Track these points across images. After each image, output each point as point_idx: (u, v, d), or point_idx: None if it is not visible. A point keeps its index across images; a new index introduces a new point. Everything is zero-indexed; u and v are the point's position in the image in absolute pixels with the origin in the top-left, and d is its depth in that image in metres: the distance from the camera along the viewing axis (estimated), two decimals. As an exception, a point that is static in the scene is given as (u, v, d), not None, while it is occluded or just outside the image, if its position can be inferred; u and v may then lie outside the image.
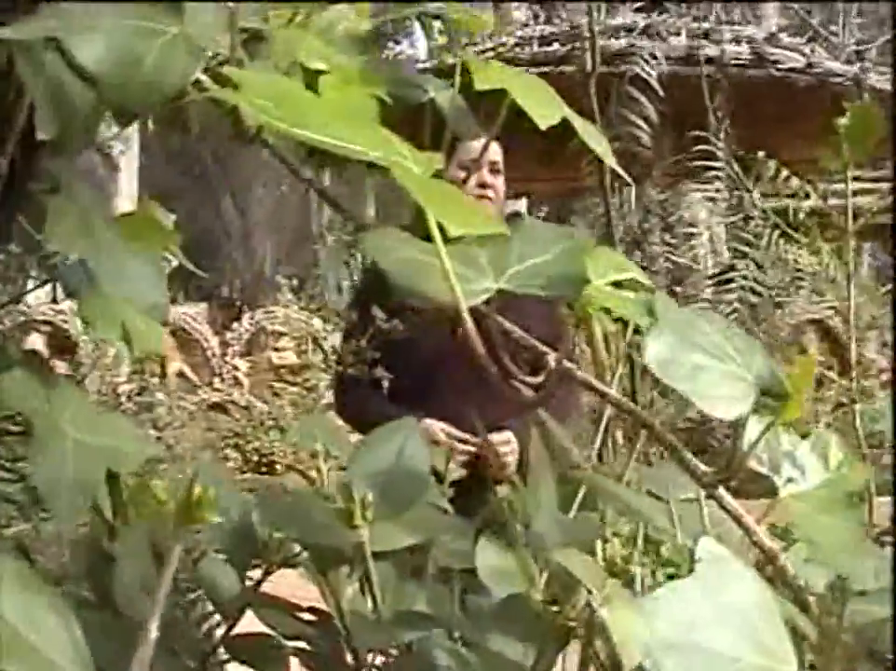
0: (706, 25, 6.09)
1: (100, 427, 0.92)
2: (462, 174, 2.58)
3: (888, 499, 1.57)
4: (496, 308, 2.21)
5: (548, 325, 2.80)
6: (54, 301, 9.64)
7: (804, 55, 5.38)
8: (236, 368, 10.17)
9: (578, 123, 0.63)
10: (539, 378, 0.62)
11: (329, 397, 10.44)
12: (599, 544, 0.62)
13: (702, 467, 0.56)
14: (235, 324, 10.58)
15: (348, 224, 18.99)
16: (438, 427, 2.44)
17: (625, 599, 0.57)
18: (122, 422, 0.98)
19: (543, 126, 0.60)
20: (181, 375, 9.44)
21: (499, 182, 2.68)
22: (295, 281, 14.99)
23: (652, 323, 0.52)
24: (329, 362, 10.68)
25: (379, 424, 2.25)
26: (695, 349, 0.52)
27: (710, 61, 5.58)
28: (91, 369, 8.28)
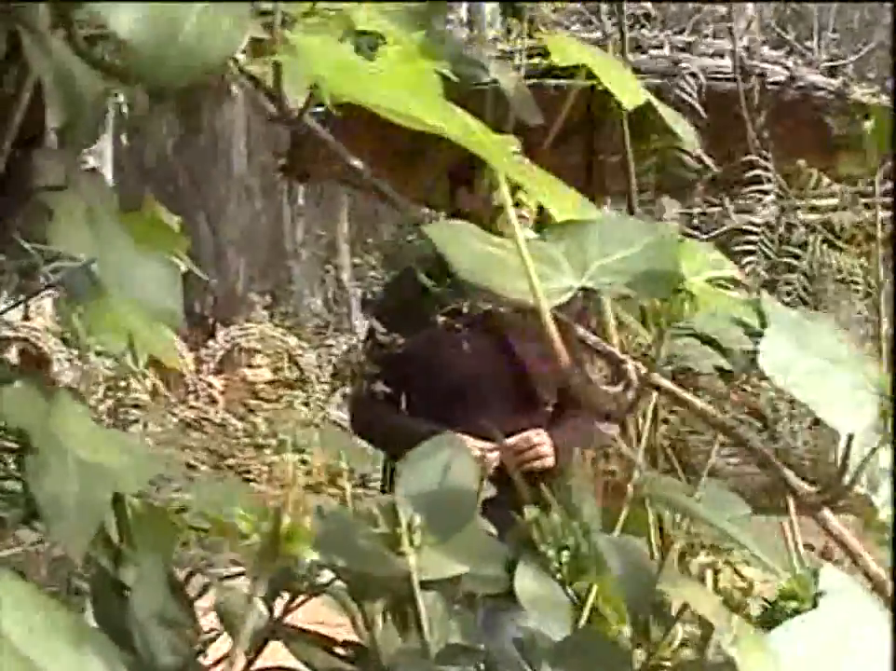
0: (686, 38, 6.07)
1: (103, 444, 0.85)
2: (497, 192, 2.53)
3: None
4: (512, 323, 2.14)
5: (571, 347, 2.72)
6: (26, 318, 9.51)
7: (787, 68, 5.36)
8: (210, 385, 10.05)
9: (666, 111, 0.57)
10: (618, 388, 0.56)
11: (306, 413, 10.35)
12: (710, 574, 0.55)
13: (806, 486, 0.50)
14: (209, 341, 10.48)
15: (322, 240, 18.90)
16: (470, 441, 2.31)
17: (752, 637, 0.50)
18: (125, 439, 0.91)
19: (630, 107, 0.54)
20: (155, 392, 9.31)
21: (534, 200, 2.58)
22: (269, 298, 14.90)
23: (764, 325, 0.46)
24: (305, 378, 10.60)
25: (398, 438, 2.21)
26: (811, 353, 0.46)
27: (691, 74, 5.56)
28: (66, 386, 8.14)
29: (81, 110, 0.73)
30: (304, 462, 10.01)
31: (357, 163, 0.59)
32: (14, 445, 1.15)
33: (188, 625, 0.69)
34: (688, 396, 0.53)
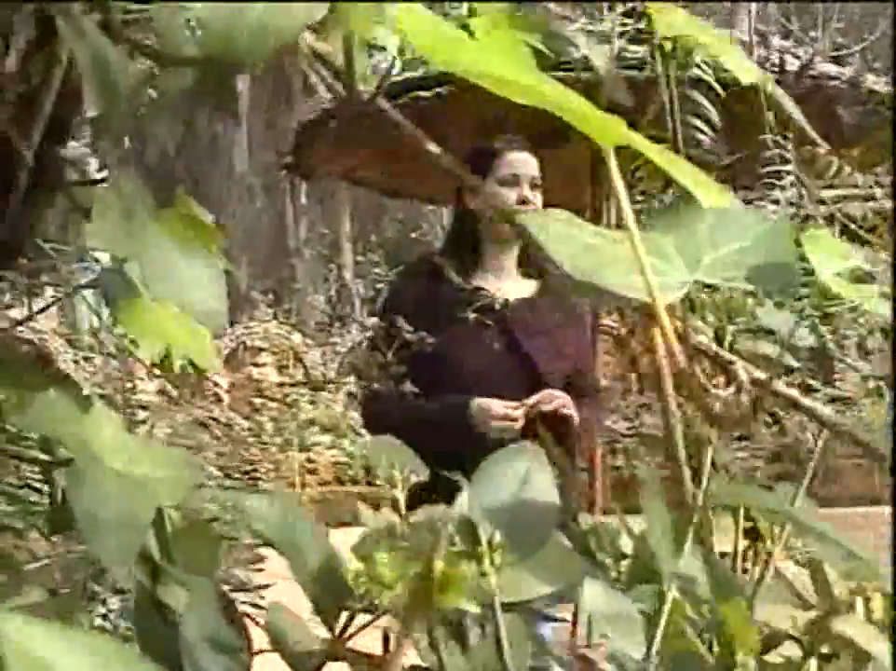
0: None
1: (139, 454, 0.81)
2: (502, 190, 2.56)
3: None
4: (520, 319, 2.12)
5: (577, 340, 2.73)
6: (29, 319, 9.45)
7: (797, 57, 5.30)
8: (216, 384, 10.01)
9: (777, 90, 0.51)
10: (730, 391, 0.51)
11: (310, 412, 10.31)
12: (860, 601, 0.50)
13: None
14: (214, 340, 10.43)
15: (325, 238, 18.88)
16: (494, 403, 2.39)
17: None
18: (162, 449, 0.86)
19: (746, 81, 0.49)
20: (162, 392, 9.27)
21: (538, 198, 2.61)
22: (271, 296, 14.86)
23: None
24: (310, 376, 10.56)
25: (412, 424, 2.21)
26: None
27: (705, 64, 5.49)
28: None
29: (117, 99, 0.68)
30: (310, 461, 9.99)
31: (433, 147, 0.54)
32: (34, 455, 1.11)
33: (242, 649, 0.64)
34: (805, 399, 0.48)
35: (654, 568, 0.78)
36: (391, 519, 0.71)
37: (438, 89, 5.10)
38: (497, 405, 2.40)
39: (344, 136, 5.67)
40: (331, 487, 9.83)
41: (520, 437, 2.29)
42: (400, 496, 0.80)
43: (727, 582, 0.59)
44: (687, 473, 0.92)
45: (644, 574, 0.81)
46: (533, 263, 2.65)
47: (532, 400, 2.41)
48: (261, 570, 2.67)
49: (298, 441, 9.89)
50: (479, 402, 2.41)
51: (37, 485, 1.94)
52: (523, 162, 2.61)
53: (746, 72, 0.49)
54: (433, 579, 0.33)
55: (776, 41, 5.60)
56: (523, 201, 2.55)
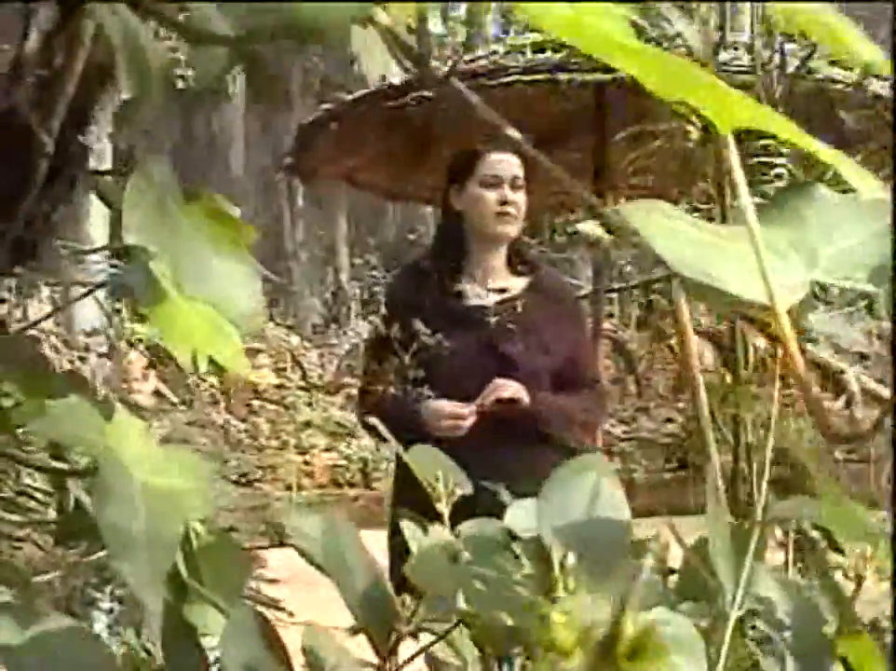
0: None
1: (164, 463, 0.75)
2: (483, 191, 2.57)
3: None
4: (500, 320, 2.08)
5: (570, 335, 2.72)
6: (23, 319, 9.38)
7: (802, 60, 5.24)
8: (212, 386, 9.95)
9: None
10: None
11: (307, 414, 10.26)
12: None
13: None
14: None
15: (322, 241, 18.81)
16: (443, 403, 2.42)
17: None
18: (185, 456, 0.81)
19: (888, 72, 0.43)
20: (157, 393, 9.21)
21: (521, 198, 2.61)
22: (267, 298, 14.82)
23: None
24: (307, 379, 10.51)
25: (398, 422, 2.23)
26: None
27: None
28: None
29: (149, 81, 0.63)
30: (306, 463, 9.93)
31: (513, 132, 0.50)
32: (37, 461, 1.05)
33: (284, 679, 0.59)
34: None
35: (705, 584, 0.73)
36: (442, 535, 0.66)
37: (442, 91, 5.07)
38: (447, 406, 2.42)
39: (345, 138, 5.63)
40: (328, 490, 9.78)
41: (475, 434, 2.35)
42: (446, 510, 0.75)
43: (848, 615, 0.54)
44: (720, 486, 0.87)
45: (694, 590, 0.76)
46: (522, 261, 2.66)
47: (480, 399, 2.42)
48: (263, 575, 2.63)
49: (295, 443, 9.84)
50: (430, 403, 2.42)
51: (36, 492, 1.89)
52: (504, 163, 2.60)
53: (883, 62, 0.43)
54: (620, 644, 0.28)
55: (781, 44, 5.55)
56: (504, 202, 2.56)
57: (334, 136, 5.57)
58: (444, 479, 0.74)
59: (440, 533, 0.65)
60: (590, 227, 1.49)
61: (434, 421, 2.41)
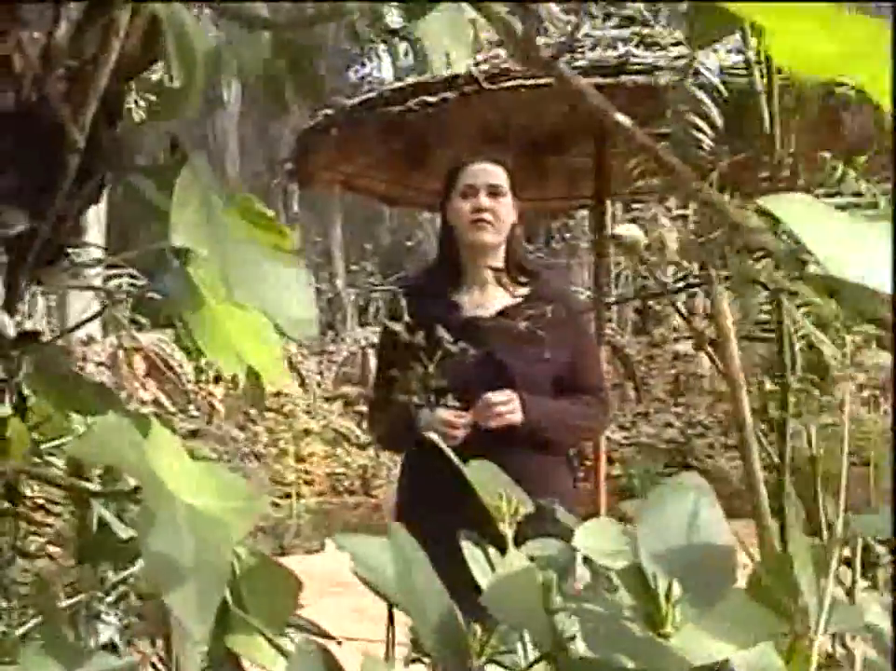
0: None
1: (203, 481, 0.70)
2: (461, 202, 2.63)
3: None
4: (494, 330, 2.07)
5: (571, 342, 2.70)
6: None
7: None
8: (210, 394, 9.88)
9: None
10: None
11: (306, 422, 10.19)
12: None
13: None
14: (208, 349, 10.26)
15: (317, 246, 18.73)
16: (439, 411, 2.44)
17: None
18: (222, 472, 0.76)
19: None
20: (155, 402, 9.14)
21: (500, 204, 2.64)
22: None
23: None
24: (306, 386, 10.44)
25: (399, 432, 2.26)
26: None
27: (707, 70, 5.39)
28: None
29: (194, 70, 0.58)
30: (306, 471, 9.86)
31: (623, 118, 0.45)
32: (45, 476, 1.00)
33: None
34: None
35: (773, 603, 0.68)
36: (514, 560, 0.61)
37: (444, 94, 5.02)
38: (443, 414, 2.45)
39: (345, 143, 5.58)
40: (327, 498, 9.71)
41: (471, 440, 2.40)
42: (509, 532, 0.70)
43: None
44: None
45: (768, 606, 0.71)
46: (521, 270, 2.69)
47: (472, 413, 2.46)
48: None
49: (294, 451, 9.77)
50: (427, 411, 2.45)
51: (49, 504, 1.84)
52: (480, 172, 2.65)
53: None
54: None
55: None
56: (478, 209, 2.60)
57: (334, 141, 5.52)
58: (507, 497, 0.68)
59: (514, 558, 0.59)
60: (629, 231, 1.45)
61: (430, 429, 2.42)
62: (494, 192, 2.62)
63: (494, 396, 2.47)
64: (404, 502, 2.68)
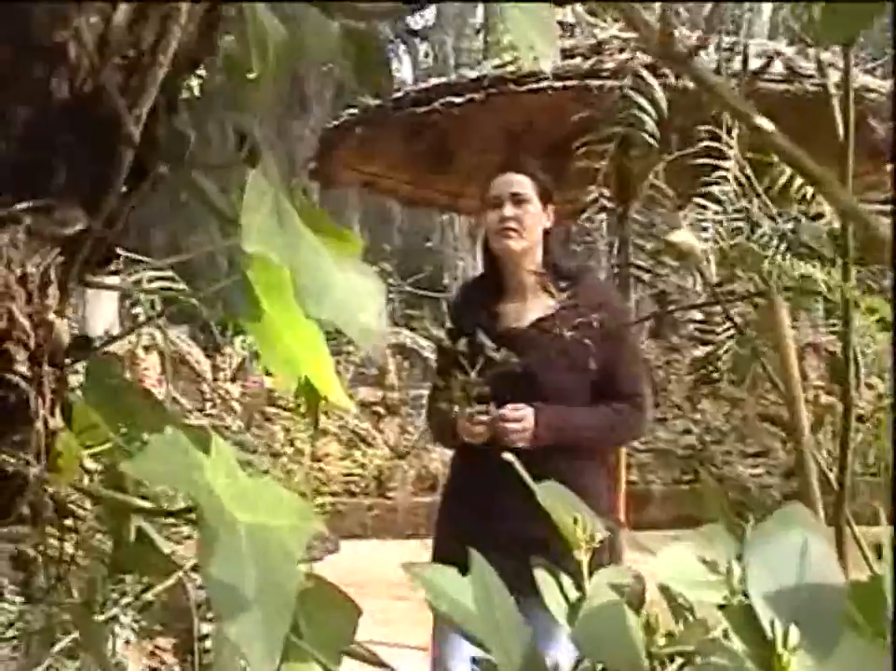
0: (729, 38, 5.86)
1: (258, 497, 0.66)
2: (489, 213, 2.72)
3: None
4: (527, 339, 2.07)
5: (608, 350, 2.67)
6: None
7: (838, 70, 5.14)
8: (227, 393, 9.85)
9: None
10: None
11: (322, 422, 10.15)
12: None
13: None
14: (226, 347, 10.25)
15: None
16: (468, 411, 2.53)
17: None
18: (273, 487, 0.71)
19: None
20: (172, 400, 9.11)
21: (526, 211, 2.71)
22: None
23: None
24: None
25: (442, 430, 2.34)
26: None
27: (736, 76, 5.33)
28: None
29: (266, 59, 0.54)
30: (321, 471, 9.83)
31: (763, 122, 0.40)
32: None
33: None
34: None
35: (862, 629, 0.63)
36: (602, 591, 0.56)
37: (470, 96, 4.98)
38: (466, 413, 2.54)
39: (368, 143, 5.55)
40: (342, 499, 9.67)
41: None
42: (585, 558, 0.65)
43: None
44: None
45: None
46: (560, 276, 2.73)
47: (506, 410, 2.53)
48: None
49: (310, 451, 9.74)
50: (463, 411, 2.54)
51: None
52: (504, 182, 2.74)
53: None
54: None
55: (811, 52, 5.45)
56: (502, 219, 2.68)
57: (357, 141, 5.49)
58: (583, 524, 0.64)
59: (596, 589, 0.55)
60: (684, 237, 1.40)
61: (460, 427, 2.56)
62: (518, 200, 2.70)
63: (508, 412, 2.53)
64: (446, 496, 2.81)
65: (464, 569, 0.63)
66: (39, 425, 0.54)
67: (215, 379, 9.84)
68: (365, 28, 0.68)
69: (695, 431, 11.49)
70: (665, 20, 0.39)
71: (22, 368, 0.52)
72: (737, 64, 5.53)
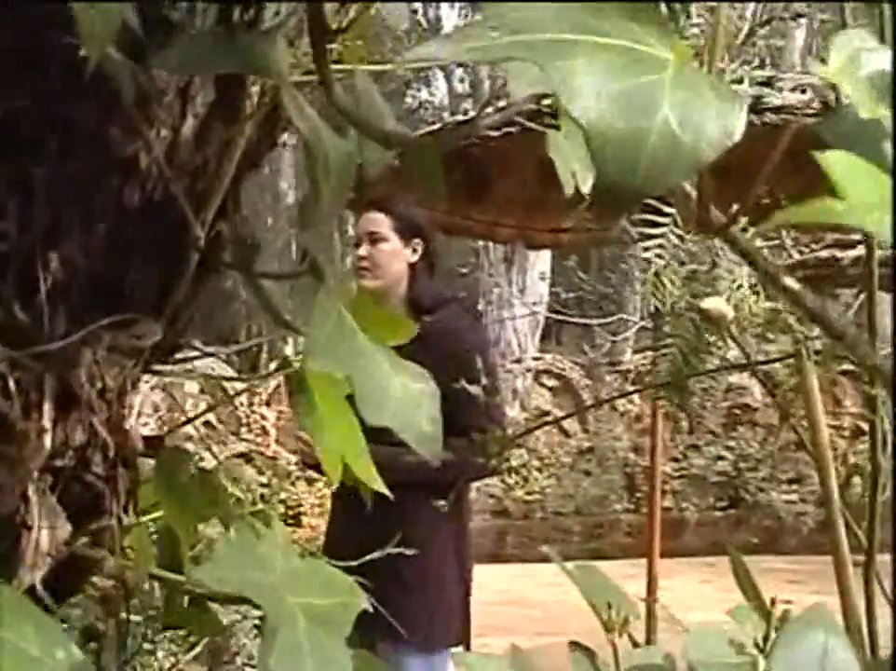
0: (765, 73, 5.81)
1: (310, 578, 0.68)
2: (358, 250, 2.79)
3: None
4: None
5: (445, 380, 2.59)
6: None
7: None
8: (263, 417, 9.91)
9: None
10: None
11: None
12: None
13: None
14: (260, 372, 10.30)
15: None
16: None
17: None
18: (321, 565, 0.74)
19: None
20: (207, 424, 9.19)
21: (379, 250, 2.75)
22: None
23: None
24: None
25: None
26: None
27: (773, 110, 5.31)
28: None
29: (328, 172, 0.57)
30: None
31: (791, 282, 0.42)
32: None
33: None
34: None
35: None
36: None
37: (507, 129, 5.02)
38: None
39: (406, 173, 5.59)
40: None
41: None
42: (616, 639, 0.67)
43: None
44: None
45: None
46: (420, 310, 2.75)
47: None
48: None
49: (344, 476, 9.77)
50: None
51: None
52: (364, 221, 2.84)
53: None
54: None
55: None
56: (358, 258, 2.77)
57: (393, 170, 5.54)
58: (617, 608, 0.66)
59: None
60: (716, 304, 1.41)
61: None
62: (373, 239, 2.77)
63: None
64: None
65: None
66: (114, 522, 0.57)
67: (250, 404, 9.90)
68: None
69: (729, 457, 11.43)
70: (702, 191, 0.41)
71: (98, 469, 0.55)
72: (773, 98, 5.54)
